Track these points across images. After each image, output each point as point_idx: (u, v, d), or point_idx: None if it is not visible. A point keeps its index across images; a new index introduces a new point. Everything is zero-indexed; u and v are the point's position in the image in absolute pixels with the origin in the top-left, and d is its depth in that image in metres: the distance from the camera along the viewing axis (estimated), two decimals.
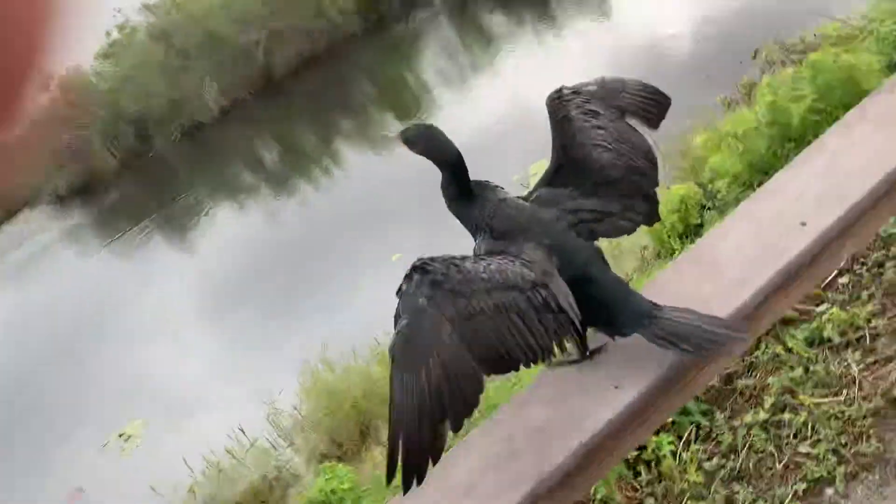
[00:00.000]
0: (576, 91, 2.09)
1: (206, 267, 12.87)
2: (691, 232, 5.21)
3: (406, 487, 1.58)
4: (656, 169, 2.07)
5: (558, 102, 2.07)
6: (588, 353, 1.98)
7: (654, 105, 2.16)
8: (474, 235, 2.03)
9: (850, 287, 3.29)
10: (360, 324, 7.47)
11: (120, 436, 8.98)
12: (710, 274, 2.06)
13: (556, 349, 1.75)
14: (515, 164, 8.59)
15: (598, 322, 1.90)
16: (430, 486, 1.89)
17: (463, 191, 2.00)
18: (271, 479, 6.40)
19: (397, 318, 1.68)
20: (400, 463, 1.59)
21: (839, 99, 4.67)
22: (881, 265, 3.32)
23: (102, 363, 11.24)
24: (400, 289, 1.71)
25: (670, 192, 5.32)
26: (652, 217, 2.03)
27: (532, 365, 1.73)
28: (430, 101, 15.11)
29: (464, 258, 1.78)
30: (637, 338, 1.84)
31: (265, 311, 10.27)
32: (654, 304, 1.85)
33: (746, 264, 2.03)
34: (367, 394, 6.59)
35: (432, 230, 9.06)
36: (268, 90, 18.27)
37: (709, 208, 5.25)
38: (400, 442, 1.59)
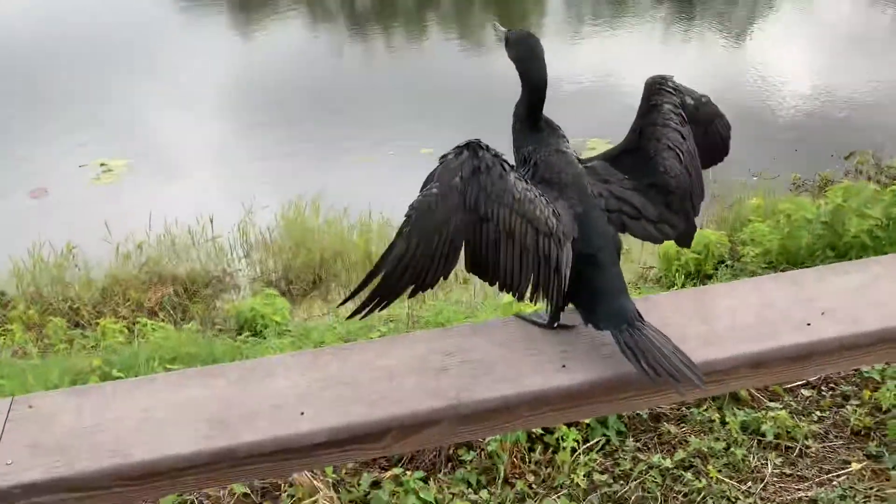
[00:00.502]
0: (678, 89, 2.06)
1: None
2: (699, 278, 5.21)
3: (360, 310, 1.72)
4: (701, 201, 2.07)
5: (658, 88, 2.04)
6: (556, 324, 2.01)
7: (715, 153, 2.15)
8: (518, 164, 2.02)
9: (808, 402, 3.33)
10: (365, 192, 7.48)
11: (102, 164, 9.00)
12: (702, 318, 2.07)
13: (528, 296, 1.79)
14: (578, 128, 8.47)
15: (581, 304, 1.92)
16: (356, 358, 1.94)
17: (533, 117, 1.98)
18: (213, 275, 6.49)
19: (429, 181, 1.73)
20: (370, 290, 1.70)
21: None
22: (846, 398, 3.35)
23: (119, 90, 11.19)
24: (445, 156, 1.75)
25: (701, 232, 5.29)
26: (685, 239, 2.04)
27: (502, 291, 1.79)
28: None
29: (512, 168, 1.79)
30: (607, 336, 1.88)
31: (304, 119, 10.19)
32: (639, 316, 1.87)
33: (737, 329, 2.03)
34: (336, 253, 6.65)
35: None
36: None
37: (727, 265, 5.24)
38: (381, 276, 1.68)
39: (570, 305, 1.95)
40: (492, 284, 1.77)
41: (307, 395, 1.77)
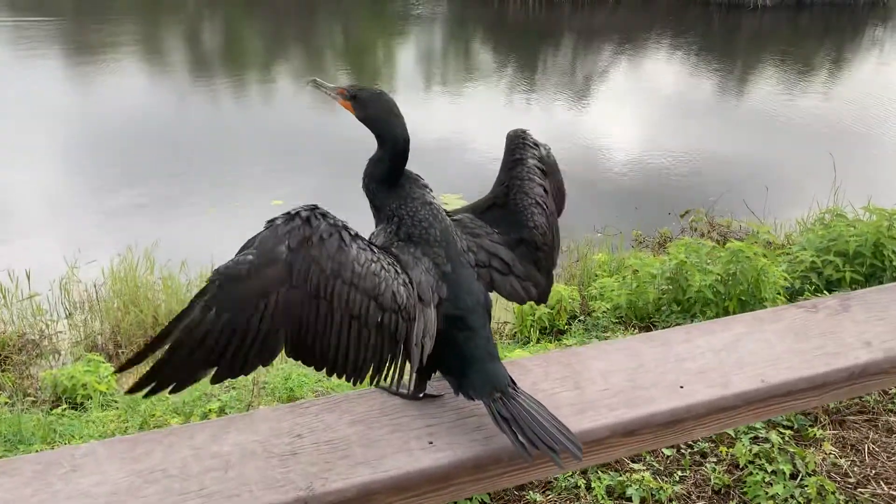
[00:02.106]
0: (536, 144, 2.00)
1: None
2: (553, 333, 5.19)
3: (134, 389, 1.41)
4: (557, 256, 1.99)
5: (520, 142, 1.97)
6: (421, 395, 1.82)
7: (558, 203, 2.08)
8: (378, 221, 1.84)
9: (669, 461, 3.29)
10: (208, 245, 7.03)
11: None
12: (575, 384, 1.95)
13: (368, 377, 1.59)
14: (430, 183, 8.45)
15: (450, 371, 1.74)
16: (185, 444, 1.65)
17: (393, 175, 1.82)
18: (28, 339, 5.77)
19: (247, 246, 1.48)
20: (146, 374, 1.41)
21: (740, 292, 4.81)
22: (704, 455, 3.34)
23: None
24: (273, 220, 1.50)
25: (553, 287, 5.29)
26: (543, 297, 1.94)
27: (334, 376, 1.55)
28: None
29: (356, 237, 1.58)
30: (475, 405, 1.72)
31: (141, 168, 9.54)
32: (513, 383, 1.71)
33: (611, 394, 1.93)
34: (172, 312, 6.12)
35: (328, 193, 8.85)
36: None
37: (580, 320, 5.26)
38: (166, 350, 1.41)
39: (437, 373, 1.79)
40: (319, 369, 1.52)
41: (123, 495, 1.47)
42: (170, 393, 1.43)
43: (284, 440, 1.67)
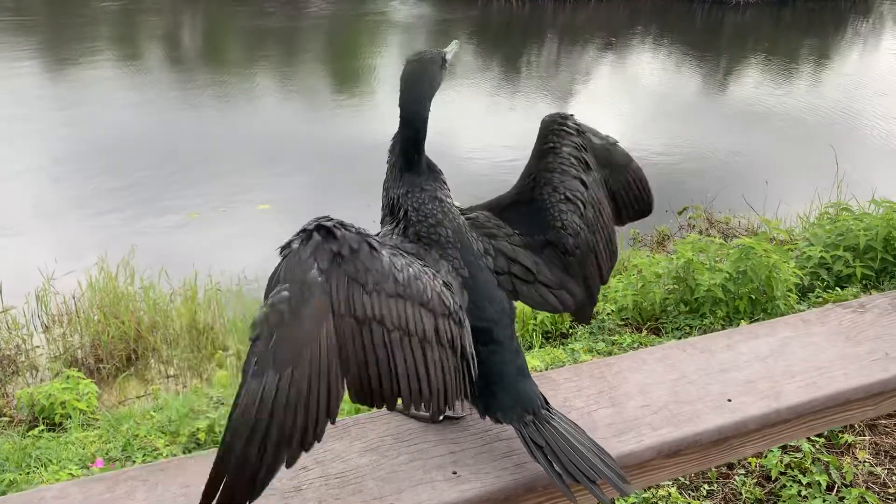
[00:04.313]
0: (581, 129, 1.72)
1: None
2: (557, 337, 4.99)
3: None
4: (612, 266, 1.73)
5: (556, 128, 1.69)
6: (441, 417, 1.60)
7: (636, 203, 1.83)
8: (384, 216, 1.60)
9: (695, 474, 3.09)
10: (191, 252, 6.77)
11: None
12: (611, 400, 1.76)
13: (445, 401, 1.34)
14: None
15: (475, 391, 1.50)
16: (174, 482, 1.42)
17: (406, 156, 1.57)
18: (3, 354, 5.48)
19: (275, 283, 1.21)
20: (224, 484, 1.16)
21: (750, 290, 4.64)
22: (730, 467, 3.14)
23: None
24: (288, 244, 1.25)
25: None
26: (583, 313, 1.69)
27: (412, 410, 1.32)
28: None
29: (381, 243, 1.33)
30: (503, 428, 1.52)
31: (117, 173, 9.26)
32: (546, 403, 1.50)
33: (652, 411, 1.73)
34: (154, 324, 5.85)
35: (315, 198, 8.63)
36: None
37: (584, 324, 5.06)
38: (233, 457, 1.15)
39: None
40: (392, 407, 1.31)
41: None
42: (250, 501, 1.18)
43: (288, 474, 1.47)
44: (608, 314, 4.99)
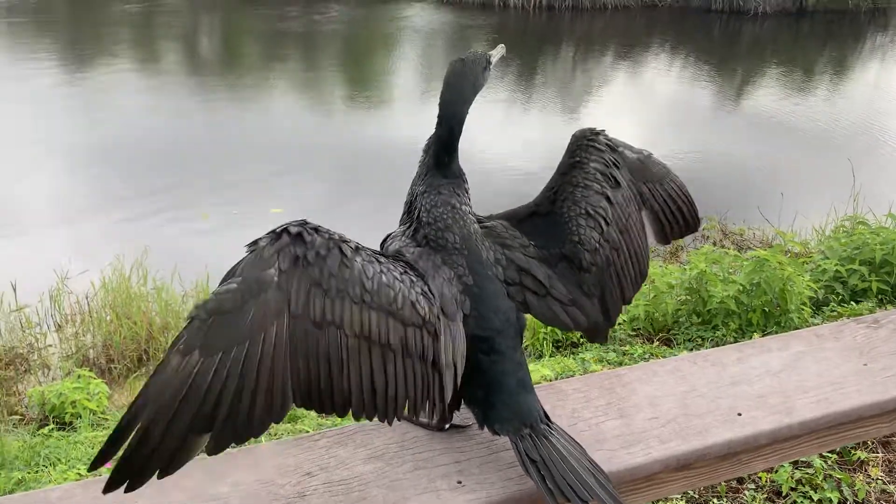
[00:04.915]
0: (612, 145, 1.70)
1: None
2: (567, 347, 4.96)
3: (109, 486, 1.15)
4: (637, 287, 1.69)
5: (584, 143, 1.67)
6: (447, 426, 1.59)
7: (680, 218, 1.79)
8: (403, 213, 1.61)
9: (705, 488, 3.06)
10: (203, 254, 6.79)
11: None
12: (620, 411, 1.74)
13: (405, 415, 1.36)
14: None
15: (474, 401, 1.51)
16: (177, 484, 1.42)
17: (437, 154, 1.57)
18: (17, 353, 5.51)
19: (230, 274, 1.23)
20: (121, 456, 1.15)
21: (764, 303, 4.60)
22: (740, 481, 3.11)
23: None
24: (256, 242, 1.27)
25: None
26: (597, 333, 1.65)
27: (362, 419, 1.32)
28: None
29: (358, 249, 1.33)
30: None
31: (133, 175, 9.31)
32: (546, 417, 1.48)
33: (661, 424, 1.71)
34: (166, 325, 5.87)
35: (331, 201, 8.65)
36: None
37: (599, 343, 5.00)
38: (134, 433, 1.14)
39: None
40: (342, 414, 1.28)
41: None
42: (158, 478, 1.16)
43: (291, 480, 1.47)
44: (619, 324, 4.96)
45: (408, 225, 1.56)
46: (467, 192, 1.61)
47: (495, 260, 1.57)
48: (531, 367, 4.10)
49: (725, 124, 13.20)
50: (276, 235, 1.27)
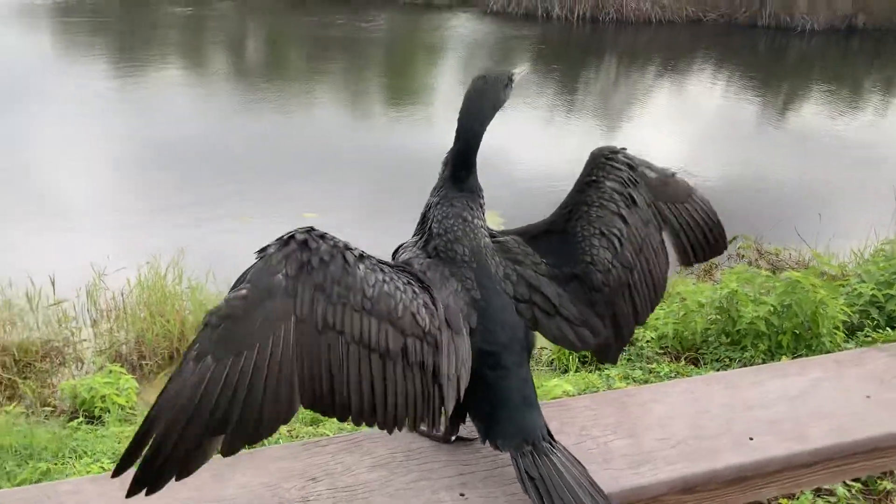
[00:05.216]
0: (631, 164, 1.68)
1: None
2: (593, 361, 4.94)
3: (132, 491, 1.19)
4: (652, 308, 1.68)
5: (602, 161, 1.67)
6: (453, 438, 1.60)
7: (702, 239, 1.76)
8: (418, 223, 1.62)
9: None
10: (237, 255, 6.87)
11: None
12: (629, 431, 1.72)
13: (406, 424, 1.36)
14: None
15: (478, 415, 1.51)
16: (181, 485, 1.45)
17: (454, 167, 1.59)
18: (52, 346, 5.65)
19: (240, 281, 1.28)
20: (141, 461, 1.19)
21: (795, 325, 4.52)
22: None
23: None
24: (265, 249, 1.31)
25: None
26: (607, 353, 1.64)
27: (363, 424, 1.33)
28: None
29: (362, 257, 1.36)
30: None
31: (174, 176, 9.51)
32: (549, 436, 1.47)
33: (670, 445, 1.69)
34: (197, 325, 5.96)
35: (367, 207, 8.71)
36: None
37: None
38: (153, 439, 1.18)
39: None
40: (343, 418, 1.30)
41: None
42: (176, 480, 1.21)
43: (296, 484, 1.49)
44: (647, 342, 4.92)
45: (419, 236, 1.58)
46: (482, 207, 1.62)
47: (505, 275, 1.57)
48: (555, 381, 4.09)
49: (768, 141, 13.01)
50: (283, 242, 1.31)
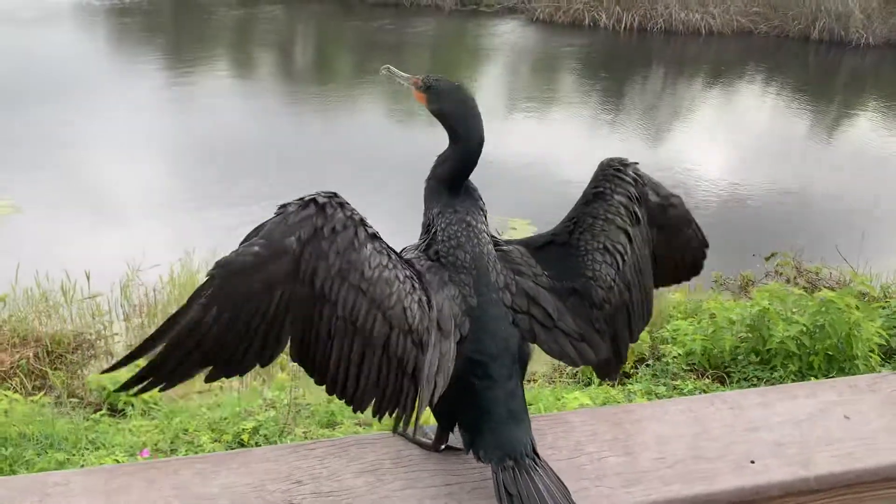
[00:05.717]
0: (640, 180, 1.65)
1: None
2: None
3: (128, 385, 1.32)
4: (643, 327, 1.67)
5: (611, 174, 1.64)
6: (443, 447, 1.58)
7: (679, 269, 1.77)
8: (421, 233, 1.61)
9: None
10: None
11: None
12: (625, 448, 1.68)
13: (372, 409, 1.38)
14: (501, 207, 8.19)
15: (463, 425, 1.50)
16: (167, 481, 1.45)
17: (456, 177, 1.57)
18: (85, 339, 5.76)
19: (254, 234, 1.32)
20: (134, 375, 1.32)
21: (828, 346, 4.40)
22: None
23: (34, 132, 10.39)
24: (285, 206, 1.33)
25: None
26: (607, 371, 1.62)
27: (334, 396, 1.37)
28: None
29: (374, 237, 1.37)
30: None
31: (212, 175, 9.66)
32: (534, 452, 1.44)
33: (667, 465, 1.65)
34: None
35: (403, 206, 8.74)
36: None
37: (647, 365, 4.90)
38: (161, 350, 1.29)
39: None
40: (319, 382, 1.35)
41: None
42: (160, 391, 1.35)
43: (281, 486, 1.49)
44: (674, 357, 4.82)
45: (423, 241, 1.57)
46: (483, 211, 1.60)
47: (504, 285, 1.54)
48: (575, 393, 4.03)
49: (814, 157, 12.72)
50: (304, 203, 1.33)
